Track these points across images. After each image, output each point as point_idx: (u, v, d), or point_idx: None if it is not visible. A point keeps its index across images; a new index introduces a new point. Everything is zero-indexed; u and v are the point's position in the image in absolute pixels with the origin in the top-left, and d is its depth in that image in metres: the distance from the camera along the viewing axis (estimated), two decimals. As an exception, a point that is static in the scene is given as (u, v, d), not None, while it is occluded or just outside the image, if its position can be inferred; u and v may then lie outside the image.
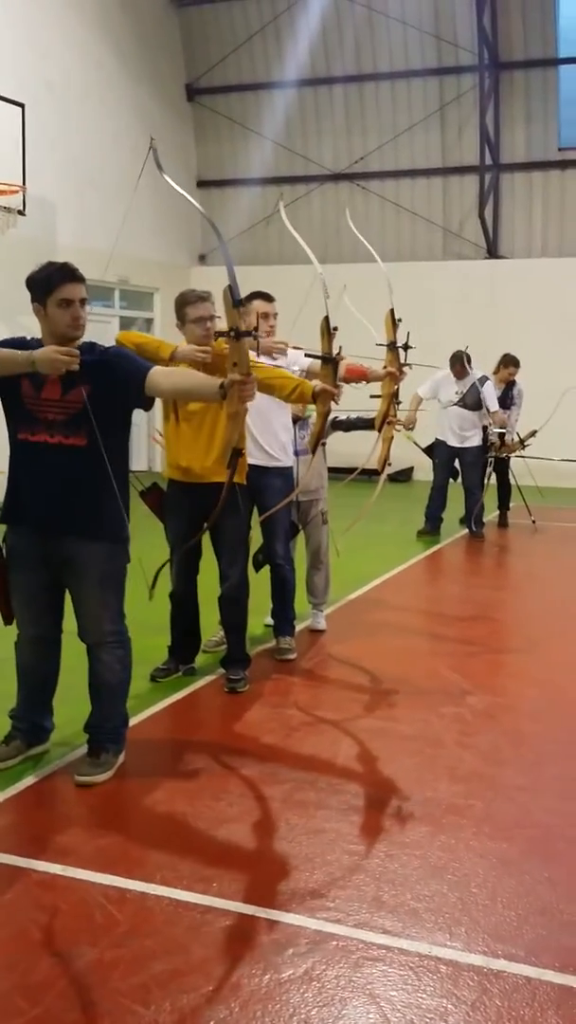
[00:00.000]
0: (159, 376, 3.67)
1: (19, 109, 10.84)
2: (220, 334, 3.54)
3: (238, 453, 3.70)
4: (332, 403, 4.38)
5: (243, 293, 3.58)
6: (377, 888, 3.08)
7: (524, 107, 14.64)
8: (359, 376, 5.21)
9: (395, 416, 5.29)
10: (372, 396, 5.18)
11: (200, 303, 4.62)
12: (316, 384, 4.34)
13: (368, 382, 5.20)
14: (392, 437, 5.28)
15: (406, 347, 5.21)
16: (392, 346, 5.17)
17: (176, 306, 4.69)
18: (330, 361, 4.29)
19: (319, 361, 4.37)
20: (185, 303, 4.65)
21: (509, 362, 10.05)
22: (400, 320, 5.18)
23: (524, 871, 3.22)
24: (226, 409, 3.60)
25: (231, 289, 3.40)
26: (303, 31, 14.89)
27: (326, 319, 4.27)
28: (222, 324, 4.66)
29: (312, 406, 5.67)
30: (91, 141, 13.31)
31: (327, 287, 4.20)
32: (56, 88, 12.65)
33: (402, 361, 5.19)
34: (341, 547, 5.90)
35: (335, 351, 4.31)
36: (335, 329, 4.30)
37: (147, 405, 3.78)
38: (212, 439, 4.68)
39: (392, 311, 5.17)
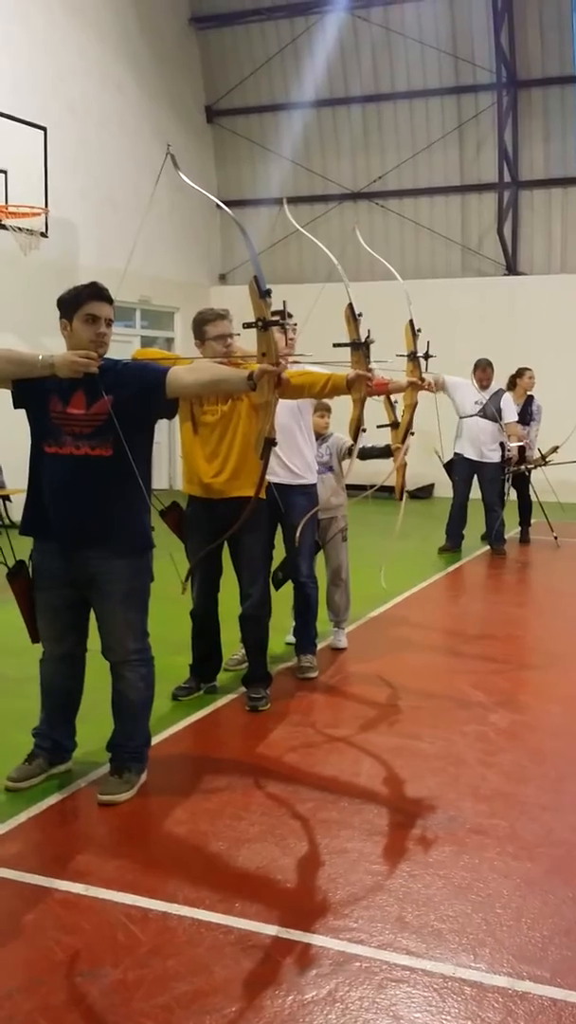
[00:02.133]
0: (180, 374, 3.68)
1: (41, 132, 10.95)
2: (248, 325, 3.53)
3: (272, 443, 3.65)
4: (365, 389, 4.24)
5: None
6: (401, 908, 3.06)
7: (542, 124, 14.66)
8: (380, 389, 5.20)
9: (410, 437, 5.31)
10: (379, 426, 5.19)
11: (220, 321, 4.64)
12: (349, 372, 4.23)
13: (390, 393, 5.21)
14: (405, 464, 5.29)
15: (426, 356, 5.22)
16: (412, 356, 5.18)
17: (195, 324, 4.71)
18: (360, 346, 4.21)
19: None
20: (205, 321, 4.66)
21: (522, 372, 10.05)
22: (420, 330, 5.19)
23: (548, 891, 3.19)
24: (256, 399, 3.59)
25: (257, 280, 3.41)
26: (321, 52, 14.98)
27: (350, 306, 4.22)
28: (239, 342, 4.71)
29: (331, 428, 5.75)
30: (112, 163, 13.44)
31: (344, 272, 4.21)
32: (77, 111, 12.79)
33: (423, 371, 5.20)
34: (360, 564, 5.88)
35: (363, 336, 4.22)
36: (360, 315, 4.23)
37: (171, 410, 3.80)
38: (229, 453, 4.68)
39: (411, 322, 5.19)
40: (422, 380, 5.17)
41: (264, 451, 3.65)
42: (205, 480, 4.75)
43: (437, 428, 9.30)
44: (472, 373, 9.47)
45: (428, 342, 5.21)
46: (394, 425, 5.39)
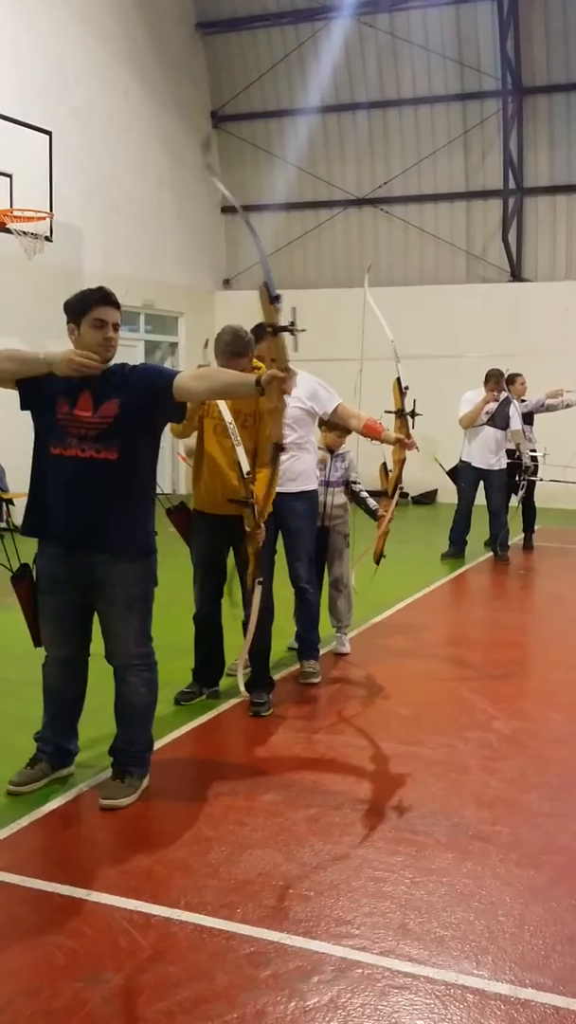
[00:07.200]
0: (188, 380, 3.69)
1: (46, 137, 10.98)
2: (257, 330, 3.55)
3: (281, 449, 3.67)
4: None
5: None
6: (403, 915, 3.05)
7: (547, 131, 14.69)
8: (374, 435, 5.29)
9: (398, 494, 5.50)
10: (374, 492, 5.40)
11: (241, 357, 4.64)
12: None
13: (381, 442, 5.31)
14: (388, 532, 5.50)
15: (413, 414, 5.28)
16: (400, 413, 5.25)
17: (222, 344, 4.68)
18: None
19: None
20: (234, 348, 4.65)
21: (513, 378, 10.06)
22: (407, 388, 5.27)
23: (551, 898, 3.18)
24: (265, 405, 3.60)
25: (267, 286, 3.41)
26: (327, 58, 15.01)
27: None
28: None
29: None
30: (117, 168, 13.47)
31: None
32: (83, 116, 12.82)
33: (410, 428, 5.31)
34: (362, 570, 5.86)
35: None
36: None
37: (179, 414, 3.81)
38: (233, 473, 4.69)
39: (399, 380, 5.28)
40: (409, 437, 5.24)
41: (273, 457, 3.66)
42: (209, 496, 4.76)
43: (439, 435, 9.37)
44: (484, 384, 9.48)
45: (415, 400, 5.27)
46: (385, 493, 5.48)
